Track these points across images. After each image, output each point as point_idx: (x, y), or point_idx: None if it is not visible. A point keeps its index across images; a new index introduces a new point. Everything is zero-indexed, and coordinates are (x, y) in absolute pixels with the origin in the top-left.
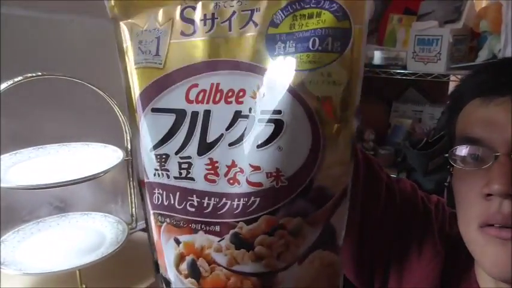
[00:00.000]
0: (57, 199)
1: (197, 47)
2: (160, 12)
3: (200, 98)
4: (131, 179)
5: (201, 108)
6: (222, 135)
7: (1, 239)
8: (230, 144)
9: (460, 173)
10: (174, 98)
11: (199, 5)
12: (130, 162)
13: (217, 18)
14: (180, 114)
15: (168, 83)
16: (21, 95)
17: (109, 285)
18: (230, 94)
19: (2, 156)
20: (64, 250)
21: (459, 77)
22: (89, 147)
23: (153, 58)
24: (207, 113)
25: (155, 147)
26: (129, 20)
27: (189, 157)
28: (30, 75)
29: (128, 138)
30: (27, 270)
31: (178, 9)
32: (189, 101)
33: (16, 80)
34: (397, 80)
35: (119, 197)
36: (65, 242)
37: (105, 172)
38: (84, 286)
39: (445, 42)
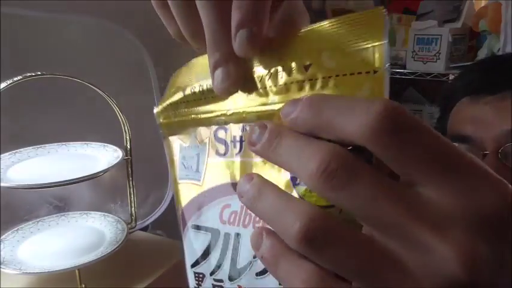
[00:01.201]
0: (56, 198)
1: (229, 167)
2: (199, 131)
3: (232, 219)
4: (130, 178)
5: (232, 230)
6: (250, 262)
7: (0, 238)
8: (257, 274)
9: None
10: (210, 216)
11: (229, 127)
12: (130, 162)
13: (244, 140)
14: (214, 234)
15: (206, 201)
16: (21, 94)
17: (108, 284)
18: (258, 219)
19: (1, 155)
20: (63, 249)
21: None
22: (88, 147)
23: (194, 174)
24: (238, 236)
25: (193, 265)
26: (175, 136)
27: (221, 280)
28: (29, 74)
29: (128, 138)
30: (26, 270)
31: (213, 129)
32: (222, 222)
33: (15, 79)
34: (397, 79)
35: (118, 196)
36: (65, 242)
37: (105, 172)
38: (83, 285)
39: (444, 42)
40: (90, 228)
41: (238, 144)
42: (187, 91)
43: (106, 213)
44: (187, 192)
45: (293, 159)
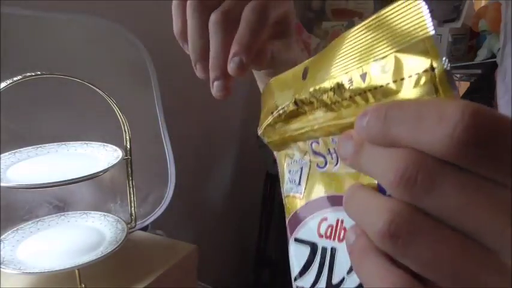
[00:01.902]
0: (56, 198)
1: (327, 180)
2: (299, 145)
3: (328, 233)
4: (130, 178)
5: (328, 244)
6: (343, 278)
7: (0, 238)
8: None
9: None
10: (309, 230)
11: (321, 140)
12: (130, 162)
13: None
14: (313, 248)
15: (306, 214)
16: (20, 94)
17: (108, 284)
18: None
19: (1, 155)
20: (63, 249)
21: (458, 76)
22: (88, 147)
23: (297, 188)
24: (334, 250)
25: (295, 278)
26: (283, 151)
27: None
28: (29, 74)
29: (127, 137)
30: (26, 270)
31: (308, 143)
32: (319, 235)
33: (15, 79)
34: None
35: (118, 196)
36: (64, 241)
37: (105, 171)
38: (83, 285)
39: (444, 42)
40: (90, 228)
41: (334, 156)
42: (275, 114)
43: (106, 213)
44: (291, 205)
45: (375, 169)
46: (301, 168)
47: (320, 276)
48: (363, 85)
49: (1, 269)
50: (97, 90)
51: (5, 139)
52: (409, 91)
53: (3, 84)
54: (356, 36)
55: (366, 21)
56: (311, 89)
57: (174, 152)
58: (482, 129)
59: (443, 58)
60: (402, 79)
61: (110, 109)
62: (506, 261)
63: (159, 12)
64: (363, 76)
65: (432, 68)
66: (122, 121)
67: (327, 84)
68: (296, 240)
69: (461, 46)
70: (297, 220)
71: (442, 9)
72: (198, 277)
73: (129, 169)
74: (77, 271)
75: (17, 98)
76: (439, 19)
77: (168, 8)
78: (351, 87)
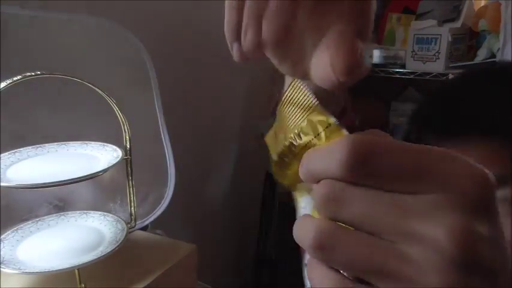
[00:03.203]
0: (56, 198)
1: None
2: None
3: None
4: (130, 178)
5: None
6: None
7: (0, 238)
8: None
9: None
10: None
11: None
12: (129, 161)
13: None
14: None
15: None
16: (20, 94)
17: (108, 284)
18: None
19: (1, 155)
20: (63, 249)
21: None
22: (88, 146)
23: None
24: None
25: None
26: (296, 191)
27: None
28: (29, 74)
29: (127, 137)
30: (26, 270)
31: None
32: None
33: (15, 79)
34: (396, 79)
35: (118, 196)
36: (64, 241)
37: (104, 171)
38: (83, 285)
39: (444, 41)
40: (90, 227)
41: None
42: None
43: (106, 213)
44: None
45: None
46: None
47: None
48: (302, 142)
49: (1, 269)
50: (97, 90)
51: (5, 139)
52: (324, 140)
53: (3, 84)
54: (285, 108)
55: (284, 98)
56: (283, 145)
57: (174, 152)
58: (360, 153)
59: (331, 116)
60: (319, 134)
61: (110, 109)
62: (407, 250)
63: (159, 12)
64: (299, 136)
65: (329, 124)
66: (122, 121)
67: (287, 142)
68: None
69: (461, 46)
70: None
71: (442, 9)
72: (198, 277)
73: (129, 169)
74: (76, 271)
75: (17, 98)
76: (439, 19)
77: (168, 8)
78: (297, 144)
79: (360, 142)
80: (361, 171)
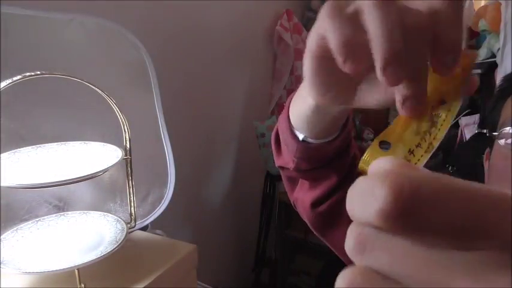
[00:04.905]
0: (56, 198)
1: None
2: None
3: None
4: (130, 178)
5: None
6: None
7: (0, 238)
8: None
9: (505, 151)
10: None
11: None
12: (129, 161)
13: None
14: None
15: None
16: (20, 94)
17: (108, 284)
18: None
19: (1, 155)
20: (63, 249)
21: None
22: (87, 146)
23: None
24: None
25: None
26: None
27: None
28: (29, 74)
29: (127, 137)
30: (26, 270)
31: None
32: None
33: (15, 79)
34: None
35: (117, 196)
36: (64, 241)
37: (104, 171)
38: (83, 285)
39: None
40: (90, 228)
41: None
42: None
43: (105, 213)
44: None
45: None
46: None
47: None
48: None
49: (1, 269)
50: (97, 90)
51: (5, 139)
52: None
53: (3, 84)
54: None
55: None
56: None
57: (174, 152)
58: (401, 202)
59: None
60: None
61: (110, 109)
62: None
63: (159, 12)
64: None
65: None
66: (122, 121)
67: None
68: None
69: None
70: None
71: None
72: (198, 277)
73: (129, 169)
74: (76, 271)
75: (17, 98)
76: None
77: (168, 8)
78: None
79: (403, 188)
80: (401, 225)
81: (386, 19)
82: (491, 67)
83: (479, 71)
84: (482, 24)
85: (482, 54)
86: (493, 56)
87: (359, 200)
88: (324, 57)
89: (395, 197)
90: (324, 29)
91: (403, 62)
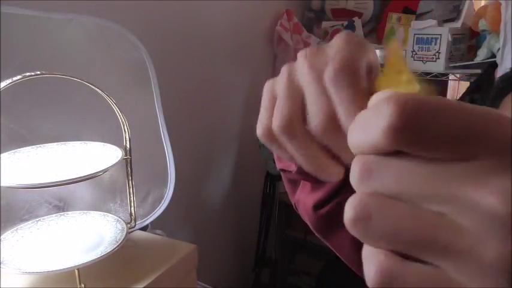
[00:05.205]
0: (56, 198)
1: None
2: None
3: None
4: (130, 178)
5: None
6: None
7: (0, 238)
8: None
9: None
10: None
11: None
12: (129, 161)
13: None
14: None
15: None
16: (20, 94)
17: (108, 284)
18: None
19: (1, 155)
20: (63, 249)
21: (458, 76)
22: (87, 146)
23: None
24: None
25: None
26: None
27: None
28: (29, 74)
29: (127, 137)
30: (26, 270)
31: None
32: None
33: (15, 79)
34: None
35: (117, 196)
36: (64, 241)
37: (104, 171)
38: (83, 285)
39: (444, 41)
40: (90, 228)
41: None
42: None
43: (105, 213)
44: None
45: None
46: None
47: None
48: None
49: (1, 269)
50: (97, 90)
51: (5, 139)
52: None
53: (3, 84)
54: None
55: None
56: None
57: (174, 152)
58: (406, 114)
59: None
60: None
61: (110, 109)
62: (458, 219)
63: (159, 12)
64: None
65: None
66: (122, 121)
67: None
68: None
69: (461, 46)
70: None
71: (442, 9)
72: (198, 277)
73: (129, 169)
74: (76, 271)
75: (17, 98)
76: (439, 19)
77: (168, 8)
78: None
79: (405, 102)
80: (406, 138)
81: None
82: (491, 67)
83: (479, 71)
84: (482, 24)
85: (482, 54)
86: (493, 56)
87: (361, 128)
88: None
89: (401, 110)
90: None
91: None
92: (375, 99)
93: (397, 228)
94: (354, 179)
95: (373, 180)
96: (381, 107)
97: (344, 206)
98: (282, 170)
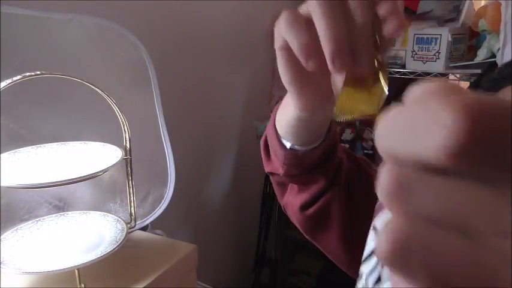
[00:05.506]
0: (56, 198)
1: None
2: None
3: None
4: (130, 178)
5: None
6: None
7: (0, 238)
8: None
9: None
10: (381, 220)
11: None
12: (129, 161)
13: None
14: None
15: (382, 205)
16: (20, 94)
17: (108, 284)
18: None
19: (1, 155)
20: (63, 249)
21: (458, 76)
22: (87, 146)
23: None
24: None
25: (362, 262)
26: None
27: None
28: (29, 74)
29: (127, 137)
30: (26, 270)
31: None
32: None
33: (15, 79)
34: (396, 78)
35: (117, 196)
36: (64, 241)
37: (104, 171)
38: (83, 285)
39: (444, 41)
40: (90, 228)
41: None
42: None
43: (105, 213)
44: None
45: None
46: None
47: (376, 266)
48: None
49: (1, 269)
50: (97, 90)
51: (5, 139)
52: None
53: (3, 84)
54: None
55: None
56: None
57: (174, 152)
58: (479, 128)
59: None
60: None
61: (110, 109)
62: (495, 242)
63: (159, 12)
64: None
65: None
66: (122, 121)
67: None
68: (373, 227)
69: (461, 46)
70: (380, 208)
71: (442, 9)
72: (198, 277)
73: (129, 169)
74: (76, 271)
75: (17, 98)
76: (439, 19)
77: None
78: None
79: (478, 111)
80: (475, 158)
81: (330, 19)
82: (491, 67)
83: (479, 71)
84: (482, 24)
85: (482, 54)
86: (493, 56)
87: (401, 133)
88: (291, 55)
89: (473, 122)
90: (285, 39)
91: (347, 54)
92: (419, 92)
93: (449, 271)
94: (385, 191)
95: (413, 200)
96: (439, 111)
97: (330, 206)
98: (270, 173)
